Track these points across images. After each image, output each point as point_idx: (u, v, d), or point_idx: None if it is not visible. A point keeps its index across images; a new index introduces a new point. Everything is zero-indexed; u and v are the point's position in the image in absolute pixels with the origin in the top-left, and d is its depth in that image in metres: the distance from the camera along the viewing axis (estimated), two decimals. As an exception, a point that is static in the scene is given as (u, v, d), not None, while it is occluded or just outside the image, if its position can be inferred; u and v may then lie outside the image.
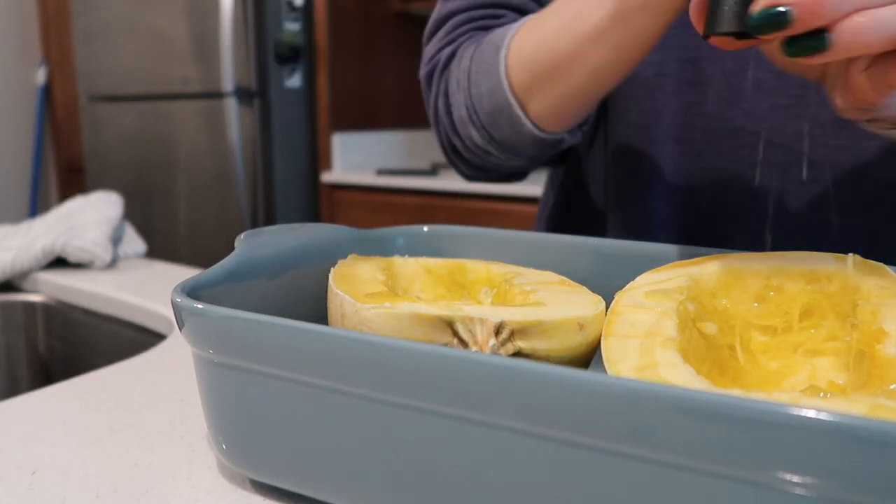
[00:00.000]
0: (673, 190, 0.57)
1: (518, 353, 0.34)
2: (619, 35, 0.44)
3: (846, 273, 0.35)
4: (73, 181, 2.84)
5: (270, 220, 2.28)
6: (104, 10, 2.44)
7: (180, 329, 0.35)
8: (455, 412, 0.28)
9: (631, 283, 0.38)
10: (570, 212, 0.67)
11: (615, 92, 0.58)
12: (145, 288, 0.81)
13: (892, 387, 0.28)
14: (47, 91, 2.86)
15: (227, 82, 2.15)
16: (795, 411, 0.22)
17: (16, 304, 0.89)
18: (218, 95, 2.19)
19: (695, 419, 0.23)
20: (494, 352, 0.33)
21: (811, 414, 0.21)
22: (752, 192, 0.53)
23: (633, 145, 0.58)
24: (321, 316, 0.43)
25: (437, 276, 0.46)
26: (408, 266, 0.46)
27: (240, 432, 0.35)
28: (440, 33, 0.60)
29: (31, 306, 0.89)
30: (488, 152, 0.56)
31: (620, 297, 0.36)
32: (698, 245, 0.49)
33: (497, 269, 0.45)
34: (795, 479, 0.22)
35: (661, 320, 0.33)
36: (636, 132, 0.58)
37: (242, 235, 0.44)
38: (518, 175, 0.63)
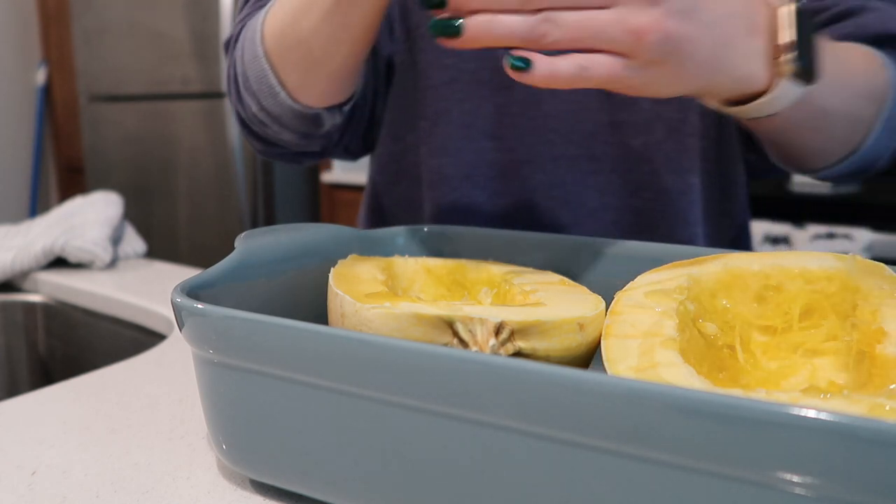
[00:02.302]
0: (489, 180, 0.65)
1: (518, 353, 0.34)
2: (342, 15, 0.48)
3: (846, 273, 0.35)
4: (73, 181, 2.84)
5: (270, 220, 2.28)
6: (104, 10, 2.44)
7: (180, 329, 0.35)
8: (455, 412, 0.28)
9: (631, 283, 0.38)
10: (386, 202, 0.72)
11: (436, 94, 0.64)
12: (145, 288, 0.81)
13: (892, 387, 0.28)
14: (47, 91, 2.86)
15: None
16: (795, 411, 0.22)
17: (16, 304, 0.89)
18: (218, 95, 2.19)
19: (695, 419, 0.23)
20: (494, 352, 0.33)
21: (811, 414, 0.21)
22: (551, 181, 0.63)
23: (453, 142, 0.65)
24: (321, 316, 0.43)
25: (437, 276, 0.46)
26: (408, 266, 0.46)
27: (240, 432, 0.35)
28: (245, 8, 0.63)
29: (31, 306, 0.89)
30: (263, 122, 0.59)
31: (620, 297, 0.36)
32: (510, 228, 0.62)
33: (497, 269, 0.45)
34: (795, 479, 0.22)
35: (661, 320, 0.33)
36: (456, 130, 0.65)
37: (242, 235, 0.44)
38: (309, 156, 0.66)
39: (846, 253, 0.37)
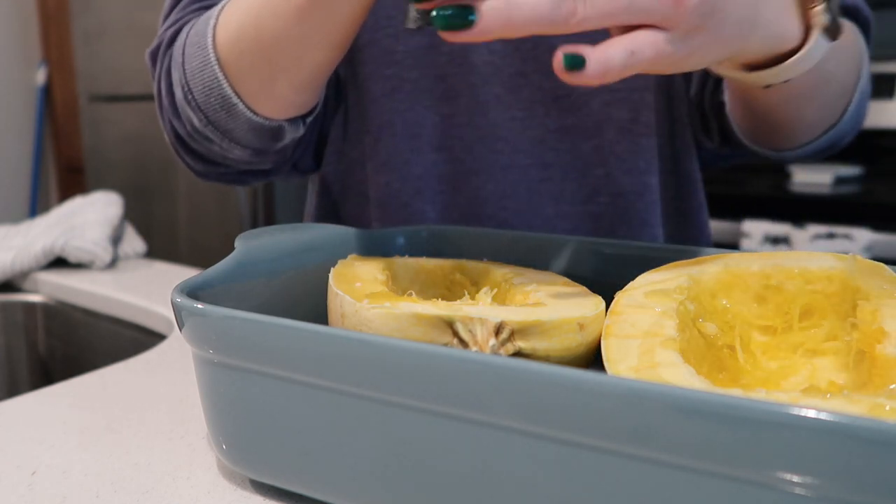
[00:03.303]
0: (438, 193, 0.63)
1: (518, 353, 0.34)
2: (321, 15, 0.43)
3: (846, 273, 0.35)
4: (73, 181, 2.84)
5: (270, 220, 2.28)
6: (104, 10, 2.44)
7: (180, 329, 0.35)
8: (455, 412, 0.28)
9: (631, 283, 0.38)
10: (331, 219, 0.68)
11: (378, 107, 0.61)
12: (145, 288, 0.81)
13: (892, 387, 0.28)
14: (47, 91, 2.86)
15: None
16: (795, 411, 0.22)
17: (16, 304, 0.89)
18: (218, 95, 2.19)
19: (695, 419, 0.23)
20: (494, 352, 0.33)
21: (811, 414, 0.21)
22: (503, 190, 0.62)
23: (399, 155, 0.62)
24: (321, 316, 0.43)
25: (437, 276, 0.47)
26: (408, 266, 0.46)
27: (240, 432, 0.35)
28: (173, 14, 0.57)
29: (31, 306, 0.89)
30: (208, 138, 0.52)
31: (620, 297, 0.36)
32: None
33: (497, 269, 0.45)
34: (795, 479, 0.22)
35: (661, 320, 0.33)
36: (402, 142, 0.62)
37: (242, 235, 0.44)
38: (255, 175, 0.60)
39: (846, 253, 0.37)
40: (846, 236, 1.49)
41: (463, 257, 0.50)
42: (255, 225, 2.26)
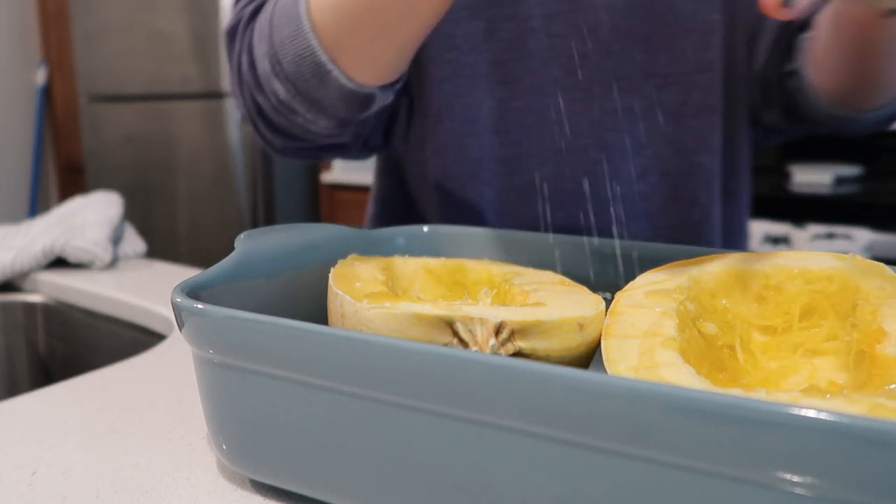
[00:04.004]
0: (495, 176, 0.64)
1: (518, 353, 0.34)
2: None
3: (846, 273, 0.35)
4: (73, 181, 2.84)
5: (270, 220, 2.28)
6: (104, 10, 2.44)
7: (180, 329, 0.35)
8: (455, 412, 0.28)
9: (631, 283, 0.38)
10: (393, 203, 0.71)
11: (438, 90, 0.63)
12: (145, 288, 0.81)
13: (892, 387, 0.28)
14: (47, 91, 2.86)
15: (228, 82, 2.14)
16: (795, 411, 0.22)
17: (16, 304, 0.89)
18: (218, 95, 2.20)
19: (695, 419, 0.23)
20: (494, 352, 0.33)
21: (811, 414, 0.21)
22: (560, 173, 0.63)
23: (457, 138, 0.64)
24: (321, 316, 0.43)
25: (437, 276, 0.46)
26: (408, 266, 0.46)
27: (240, 432, 0.35)
28: None
29: (31, 306, 0.89)
30: (293, 110, 0.53)
31: (620, 297, 0.36)
32: (520, 223, 0.63)
33: (497, 269, 0.45)
34: (795, 479, 0.22)
35: (661, 320, 0.33)
36: (460, 125, 0.63)
37: (242, 235, 0.44)
38: (331, 150, 0.62)
39: (846, 253, 0.37)
40: (846, 236, 1.49)
41: (463, 257, 0.50)
42: (255, 225, 2.26)
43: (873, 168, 1.71)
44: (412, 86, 0.65)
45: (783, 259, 0.37)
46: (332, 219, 2.30)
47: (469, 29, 0.62)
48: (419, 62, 0.64)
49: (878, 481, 0.21)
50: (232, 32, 0.56)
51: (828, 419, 0.21)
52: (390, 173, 0.71)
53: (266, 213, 2.28)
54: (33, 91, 2.85)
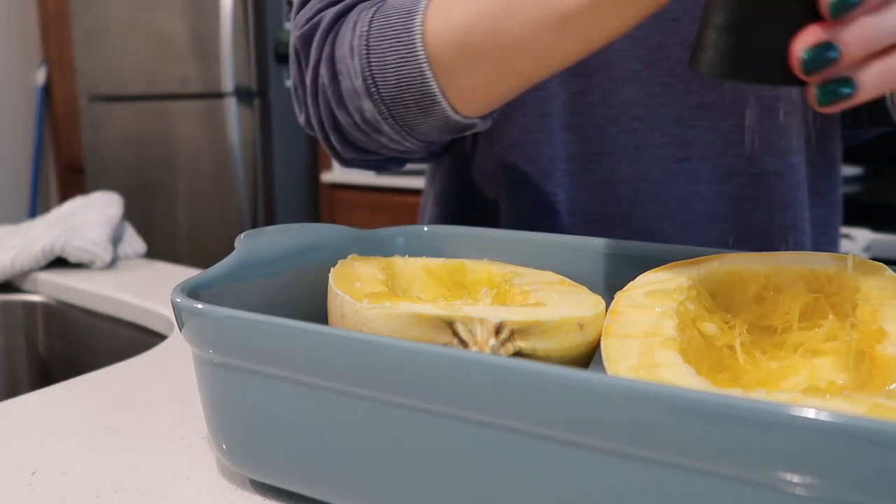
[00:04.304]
0: (568, 175, 0.61)
1: (518, 353, 0.34)
2: (590, 26, 0.40)
3: (846, 273, 0.35)
4: (73, 181, 2.84)
5: (270, 220, 2.28)
6: (104, 10, 2.44)
7: (180, 329, 0.35)
8: (455, 412, 0.28)
9: (631, 283, 0.38)
10: (455, 206, 0.67)
11: None
12: (145, 288, 0.81)
13: (892, 387, 0.28)
14: (47, 91, 2.87)
15: (227, 82, 2.15)
16: (795, 411, 0.22)
17: (16, 304, 0.89)
18: (218, 95, 2.19)
19: (695, 419, 0.23)
20: (494, 352, 0.33)
21: (811, 414, 0.21)
22: (637, 172, 0.60)
23: (528, 136, 0.61)
24: (321, 316, 0.43)
25: (437, 276, 0.46)
26: (408, 266, 0.46)
27: (240, 432, 0.35)
28: None
29: (31, 306, 0.89)
30: (379, 130, 0.50)
31: (620, 297, 0.36)
32: (594, 225, 0.61)
33: (497, 269, 0.45)
34: (795, 479, 0.22)
35: (660, 320, 0.33)
36: (532, 122, 0.60)
37: (242, 235, 0.44)
38: (400, 161, 0.59)
39: (846, 253, 0.37)
40: (846, 236, 1.49)
41: (463, 257, 0.50)
42: (255, 225, 2.26)
43: (873, 168, 1.71)
44: None
45: (783, 259, 0.37)
46: (332, 219, 2.30)
47: None
48: None
49: (878, 481, 0.21)
50: (307, 40, 0.53)
51: (828, 419, 0.21)
52: (454, 174, 0.67)
53: (266, 213, 2.28)
54: (33, 91, 2.85)
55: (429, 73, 0.46)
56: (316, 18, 0.53)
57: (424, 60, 0.46)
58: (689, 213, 0.60)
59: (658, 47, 0.58)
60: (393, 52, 0.47)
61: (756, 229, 0.60)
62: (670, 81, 0.58)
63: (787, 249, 0.54)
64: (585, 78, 0.59)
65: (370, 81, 0.48)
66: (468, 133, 0.52)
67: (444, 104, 0.47)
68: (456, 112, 0.48)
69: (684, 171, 0.59)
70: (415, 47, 0.46)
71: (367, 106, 0.49)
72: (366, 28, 0.49)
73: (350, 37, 0.50)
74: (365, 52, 0.48)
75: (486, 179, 0.65)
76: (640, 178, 0.60)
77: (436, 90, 0.47)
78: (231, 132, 2.18)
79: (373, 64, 0.48)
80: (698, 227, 0.60)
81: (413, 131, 0.50)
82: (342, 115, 0.52)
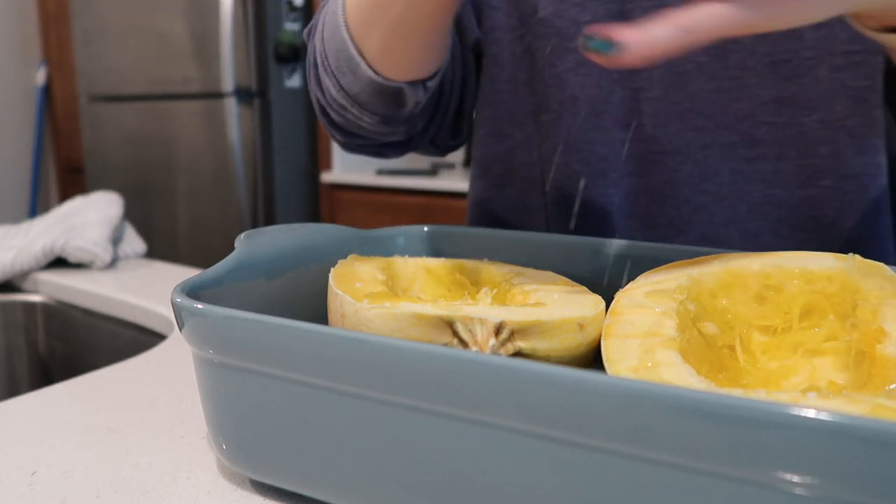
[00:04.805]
0: (625, 176, 0.57)
1: (518, 353, 0.34)
2: None
3: (846, 273, 0.35)
4: (73, 181, 2.84)
5: (270, 220, 2.28)
6: (104, 10, 2.44)
7: (180, 329, 0.35)
8: (455, 412, 0.28)
9: (631, 283, 0.38)
10: (494, 207, 0.66)
11: (561, 82, 0.58)
12: (145, 288, 0.81)
13: (892, 387, 0.28)
14: (47, 91, 2.87)
15: (227, 82, 2.15)
16: (795, 411, 0.22)
17: (16, 304, 0.89)
18: (218, 95, 2.20)
19: (695, 419, 0.23)
20: (494, 352, 0.33)
21: (811, 414, 0.21)
22: (703, 172, 0.55)
23: (580, 134, 0.58)
24: (321, 316, 0.43)
25: (437, 276, 0.46)
26: (408, 266, 0.46)
27: (240, 432, 0.35)
28: None
29: (31, 306, 0.89)
30: (343, 105, 0.54)
31: (620, 297, 0.36)
32: (654, 230, 0.57)
33: (497, 269, 0.45)
34: (795, 479, 0.22)
35: (661, 320, 0.33)
36: (585, 119, 0.57)
37: (242, 235, 0.44)
38: (392, 148, 0.61)
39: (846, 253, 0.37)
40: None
41: (463, 257, 0.50)
42: (255, 225, 2.26)
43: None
44: (519, 81, 0.61)
45: (783, 259, 0.37)
46: (332, 219, 2.30)
47: (600, 13, 0.56)
48: (533, 55, 0.59)
49: (878, 481, 0.21)
50: (309, 31, 0.57)
51: (828, 419, 0.21)
52: (489, 175, 0.66)
53: (266, 213, 2.28)
54: (33, 91, 2.85)
55: (346, 36, 0.50)
56: (320, 14, 0.56)
57: (343, 25, 0.50)
58: (762, 219, 0.54)
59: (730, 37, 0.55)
60: (330, 25, 0.51)
61: (846, 239, 0.54)
62: (741, 74, 0.54)
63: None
64: (646, 73, 0.55)
65: (324, 56, 0.53)
66: (410, 103, 0.53)
67: (363, 66, 0.50)
68: (377, 73, 0.50)
69: (757, 173, 0.54)
70: (338, 15, 0.50)
71: (327, 82, 0.53)
72: (323, 8, 0.54)
73: (322, 21, 0.54)
74: (320, 30, 0.53)
75: (527, 183, 0.62)
76: (705, 180, 0.55)
77: (353, 52, 0.50)
78: (231, 132, 2.18)
79: (325, 39, 0.52)
80: (772, 235, 0.55)
81: (360, 101, 0.53)
82: (320, 96, 0.56)
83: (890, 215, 0.55)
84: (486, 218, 0.66)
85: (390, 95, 0.52)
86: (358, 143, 0.59)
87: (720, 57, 0.54)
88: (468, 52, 0.61)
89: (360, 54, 0.50)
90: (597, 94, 0.57)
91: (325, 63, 0.53)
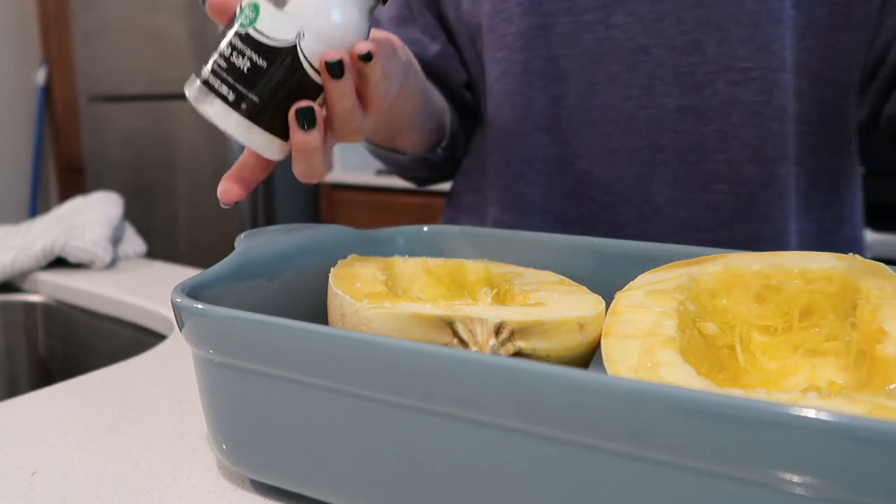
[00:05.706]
0: (543, 176, 0.62)
1: (518, 353, 0.34)
2: (394, 115, 0.54)
3: (846, 273, 0.35)
4: (73, 181, 2.84)
5: (270, 220, 2.28)
6: (104, 10, 2.44)
7: (180, 329, 0.35)
8: (455, 412, 0.28)
9: (631, 283, 0.38)
10: (463, 204, 0.73)
11: (492, 90, 0.64)
12: (145, 288, 0.81)
13: (892, 387, 0.28)
14: (47, 91, 2.86)
15: (227, 82, 2.15)
16: (795, 411, 0.22)
17: (16, 304, 0.89)
18: (218, 95, 2.19)
19: (695, 419, 0.23)
20: (494, 352, 0.33)
21: (811, 414, 0.21)
22: (610, 175, 0.60)
23: (507, 136, 0.63)
24: (321, 316, 0.43)
25: (437, 276, 0.46)
26: (408, 266, 0.46)
27: (240, 432, 0.35)
28: None
29: (31, 306, 0.89)
30: (401, 173, 0.69)
31: (620, 297, 0.36)
32: (566, 224, 0.63)
33: (497, 269, 0.45)
34: (795, 479, 0.22)
35: (661, 320, 0.33)
36: (510, 124, 0.63)
37: (242, 235, 0.44)
38: (417, 180, 0.74)
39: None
40: (846, 236, 1.49)
41: (463, 257, 0.50)
42: (255, 225, 2.26)
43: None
44: (478, 93, 0.68)
45: (783, 259, 0.37)
46: (332, 219, 2.30)
47: (522, 25, 0.61)
48: (482, 63, 0.65)
49: (878, 481, 0.21)
50: None
51: (828, 419, 0.21)
52: (462, 176, 0.73)
53: (266, 213, 2.28)
54: (33, 91, 2.85)
55: (369, 146, 0.67)
56: None
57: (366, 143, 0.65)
58: (665, 219, 0.59)
59: (639, 49, 0.58)
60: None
61: (735, 241, 0.58)
62: (650, 84, 0.58)
63: None
64: (563, 82, 0.60)
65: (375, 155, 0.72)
66: (434, 159, 0.68)
67: (384, 150, 0.67)
68: (402, 153, 0.66)
69: (660, 177, 0.58)
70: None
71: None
72: None
73: None
74: None
75: (483, 178, 0.68)
76: (613, 182, 0.60)
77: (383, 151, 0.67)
78: (231, 132, 2.18)
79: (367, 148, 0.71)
80: (676, 235, 0.59)
81: (403, 168, 0.71)
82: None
83: (793, 223, 0.59)
84: (454, 216, 0.74)
85: (419, 160, 0.66)
86: (434, 179, 0.74)
87: (632, 67, 0.58)
88: (457, 95, 0.68)
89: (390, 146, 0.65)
90: (520, 101, 0.62)
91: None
